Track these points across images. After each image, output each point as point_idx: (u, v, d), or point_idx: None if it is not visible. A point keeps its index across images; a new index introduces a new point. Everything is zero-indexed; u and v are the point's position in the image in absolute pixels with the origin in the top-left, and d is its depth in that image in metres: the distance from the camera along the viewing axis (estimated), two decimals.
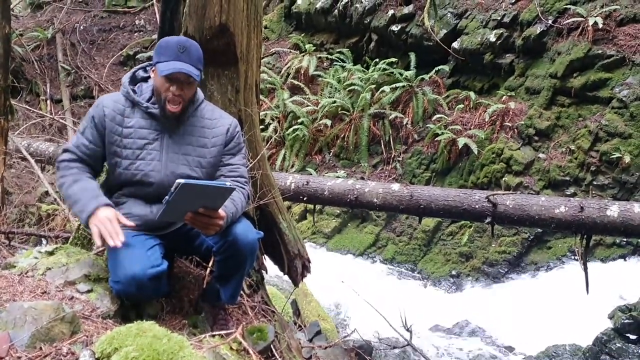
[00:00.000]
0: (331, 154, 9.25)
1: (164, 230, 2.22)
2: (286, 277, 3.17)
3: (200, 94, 2.31)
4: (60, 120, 10.00)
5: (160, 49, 2.14)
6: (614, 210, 3.80)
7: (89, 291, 2.10)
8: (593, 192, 7.05)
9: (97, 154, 2.18)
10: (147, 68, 2.31)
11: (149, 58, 12.17)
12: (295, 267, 3.08)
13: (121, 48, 12.63)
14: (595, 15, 7.73)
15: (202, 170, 2.23)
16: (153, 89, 2.20)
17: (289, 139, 9.24)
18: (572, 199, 4.14)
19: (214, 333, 2.12)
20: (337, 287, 6.92)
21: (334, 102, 9.21)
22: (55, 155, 7.37)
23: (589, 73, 7.64)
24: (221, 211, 2.01)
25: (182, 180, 1.83)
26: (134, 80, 2.28)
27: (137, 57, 12.22)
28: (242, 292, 2.60)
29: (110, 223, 1.97)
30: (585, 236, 4.03)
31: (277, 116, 9.59)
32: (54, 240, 4.21)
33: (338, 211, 8.34)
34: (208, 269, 2.59)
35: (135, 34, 13.09)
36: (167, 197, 1.91)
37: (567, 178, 7.28)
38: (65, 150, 2.19)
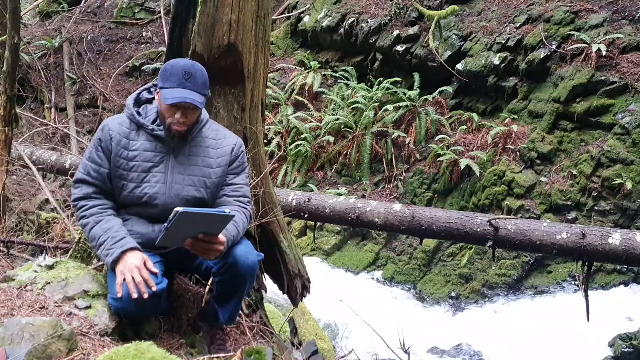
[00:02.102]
0: (333, 170, 9.25)
1: (165, 250, 2.20)
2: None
3: (205, 114, 2.29)
4: (64, 130, 10.03)
5: (166, 75, 2.12)
6: (616, 238, 3.79)
7: (87, 307, 2.09)
8: (595, 217, 7.03)
9: (107, 176, 2.16)
10: (152, 90, 2.29)
11: (155, 70, 12.18)
12: (296, 287, 3.06)
13: (128, 59, 12.71)
14: (598, 42, 7.78)
15: (207, 191, 2.22)
16: (158, 111, 2.19)
17: (292, 155, 9.25)
18: (574, 225, 4.14)
19: (212, 356, 2.10)
20: (336, 306, 6.88)
21: (338, 119, 9.24)
22: (60, 166, 7.40)
23: (592, 99, 7.66)
24: (222, 236, 1.99)
25: (180, 209, 1.84)
26: (138, 103, 2.26)
27: (143, 68, 12.30)
28: (241, 311, 2.58)
29: (138, 271, 1.93)
30: (587, 263, 4.02)
31: (281, 131, 9.62)
32: (52, 250, 4.19)
33: (338, 228, 8.30)
34: (207, 287, 2.57)
35: (142, 46, 13.18)
36: (166, 224, 1.92)
37: (569, 203, 7.26)
38: (77, 182, 2.16)
